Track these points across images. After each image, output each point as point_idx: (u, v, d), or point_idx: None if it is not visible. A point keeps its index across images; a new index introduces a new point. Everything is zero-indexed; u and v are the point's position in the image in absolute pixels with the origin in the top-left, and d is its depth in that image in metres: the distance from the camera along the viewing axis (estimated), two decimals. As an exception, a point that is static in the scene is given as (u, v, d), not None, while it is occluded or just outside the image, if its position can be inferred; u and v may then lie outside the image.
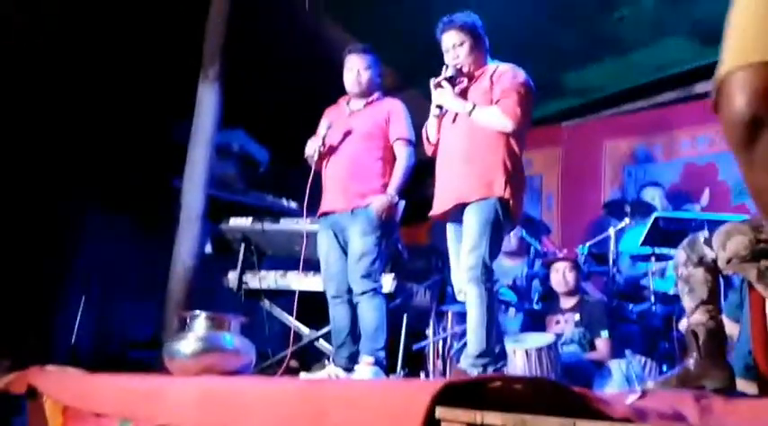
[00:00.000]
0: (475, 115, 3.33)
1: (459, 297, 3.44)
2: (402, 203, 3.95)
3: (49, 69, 5.24)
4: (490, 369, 3.19)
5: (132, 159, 5.71)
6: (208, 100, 5.10)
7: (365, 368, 3.62)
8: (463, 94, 3.47)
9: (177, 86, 5.28)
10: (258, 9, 5.55)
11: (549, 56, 6.12)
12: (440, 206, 3.46)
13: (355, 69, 3.98)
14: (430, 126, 3.60)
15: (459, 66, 3.48)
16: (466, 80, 3.52)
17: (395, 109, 3.98)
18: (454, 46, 3.48)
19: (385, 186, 3.86)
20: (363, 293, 3.71)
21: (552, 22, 5.72)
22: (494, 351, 3.23)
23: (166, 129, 5.78)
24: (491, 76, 3.44)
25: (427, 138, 3.64)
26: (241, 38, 5.36)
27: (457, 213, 3.40)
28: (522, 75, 3.43)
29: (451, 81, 3.45)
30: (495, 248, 3.30)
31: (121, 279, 5.51)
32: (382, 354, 3.71)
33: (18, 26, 5.01)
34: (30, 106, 5.23)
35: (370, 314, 3.72)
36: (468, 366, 3.20)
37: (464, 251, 3.28)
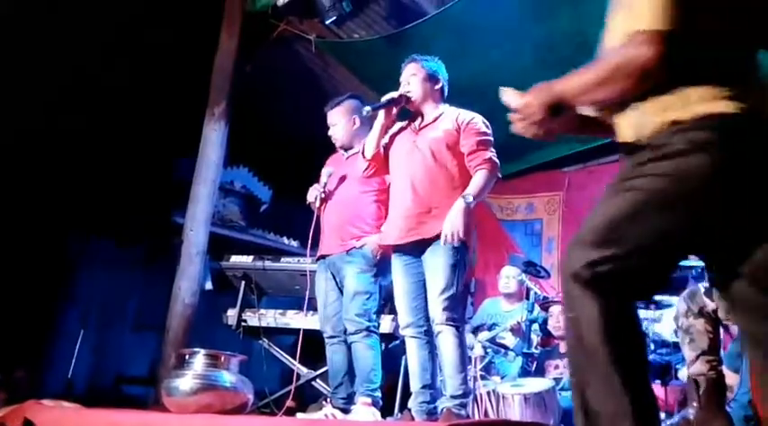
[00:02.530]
0: (479, 197, 3.40)
1: (403, 332, 3.51)
2: None
3: (57, 104, 5.30)
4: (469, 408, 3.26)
5: (135, 194, 5.74)
6: (213, 138, 5.15)
7: (362, 409, 3.60)
8: (415, 134, 3.58)
9: (182, 124, 5.33)
10: (265, 49, 5.63)
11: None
12: (394, 236, 3.49)
13: (332, 126, 4.06)
14: (369, 141, 3.67)
15: (406, 93, 3.59)
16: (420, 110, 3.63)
17: None
18: (408, 76, 3.62)
19: (380, 227, 3.89)
20: (357, 332, 3.68)
21: (551, 68, 5.78)
22: (471, 390, 3.32)
23: (170, 166, 5.82)
24: (456, 121, 3.53)
25: (362, 153, 3.71)
26: (247, 77, 5.44)
27: (408, 246, 3.44)
28: (487, 125, 3.56)
29: (395, 103, 3.57)
30: (462, 286, 3.38)
31: (120, 314, 5.50)
32: (378, 394, 3.69)
33: (26, 58, 5.07)
34: (36, 139, 5.27)
35: (365, 354, 3.70)
36: (454, 406, 3.23)
37: (434, 292, 3.32)
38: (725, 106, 1.69)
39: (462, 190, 3.40)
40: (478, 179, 3.41)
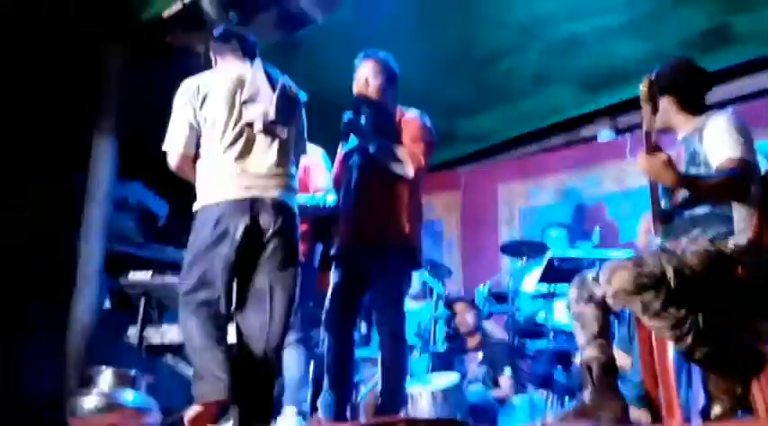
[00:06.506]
0: (382, 151, 3.43)
1: None
2: (319, 247, 4.01)
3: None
4: None
5: (25, 212, 5.52)
6: (102, 154, 5.01)
7: (289, 419, 3.59)
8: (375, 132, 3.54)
9: (71, 139, 5.17)
10: (154, 61, 5.52)
11: (441, 105, 6.30)
12: (346, 246, 3.51)
13: None
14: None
15: (365, 95, 3.57)
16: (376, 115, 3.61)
17: (312, 161, 4.00)
18: (367, 77, 3.58)
19: (300, 234, 3.90)
20: (287, 344, 3.69)
21: (441, 74, 5.93)
22: None
23: (60, 182, 5.62)
24: (399, 121, 3.55)
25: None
26: (137, 90, 5.32)
27: (358, 254, 3.46)
28: (429, 124, 3.58)
29: (358, 110, 3.54)
30: (406, 295, 3.44)
31: (20, 337, 5.26)
32: (306, 405, 3.69)
33: None
34: None
35: (293, 365, 3.69)
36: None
37: (378, 300, 3.37)
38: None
39: (408, 195, 3.48)
40: (398, 147, 3.46)
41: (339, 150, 3.71)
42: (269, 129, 3.04)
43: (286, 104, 3.09)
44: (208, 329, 2.90)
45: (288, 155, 3.13)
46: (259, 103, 3.04)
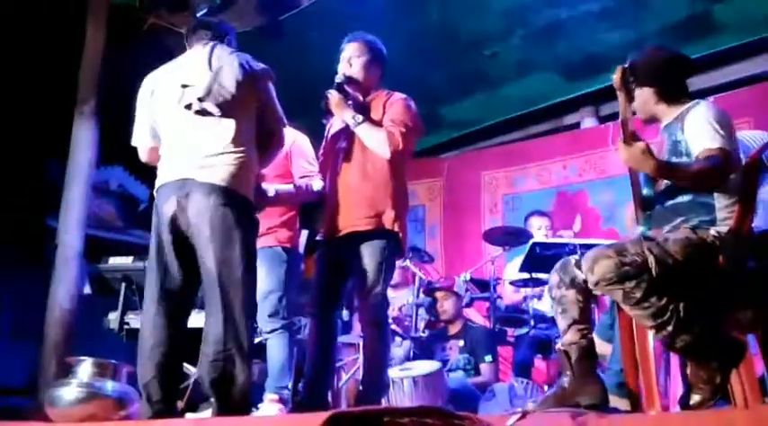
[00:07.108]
0: (361, 129, 3.39)
1: None
2: (305, 232, 3.99)
3: None
4: None
5: (2, 197, 5.47)
6: (84, 136, 4.96)
7: (269, 406, 3.57)
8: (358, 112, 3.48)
9: (53, 123, 5.11)
10: (135, 43, 5.46)
11: (423, 91, 6.29)
12: (330, 232, 3.50)
13: None
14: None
15: (349, 74, 3.54)
16: (360, 95, 3.58)
17: (296, 148, 3.95)
18: (351, 57, 3.55)
19: (287, 220, 3.87)
20: (272, 331, 3.67)
21: (425, 59, 5.91)
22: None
23: (40, 167, 5.58)
24: (383, 104, 3.50)
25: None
26: (117, 72, 5.26)
27: (342, 240, 3.44)
28: (414, 108, 3.52)
29: (341, 89, 3.50)
30: (388, 283, 3.42)
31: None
32: (287, 392, 3.68)
33: None
34: None
35: (277, 352, 3.68)
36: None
37: (361, 287, 3.36)
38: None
39: (391, 179, 3.44)
40: (379, 129, 3.41)
41: (327, 129, 3.68)
42: (203, 110, 2.99)
43: (225, 84, 3.00)
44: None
45: (235, 134, 3.02)
46: (196, 86, 3.02)
